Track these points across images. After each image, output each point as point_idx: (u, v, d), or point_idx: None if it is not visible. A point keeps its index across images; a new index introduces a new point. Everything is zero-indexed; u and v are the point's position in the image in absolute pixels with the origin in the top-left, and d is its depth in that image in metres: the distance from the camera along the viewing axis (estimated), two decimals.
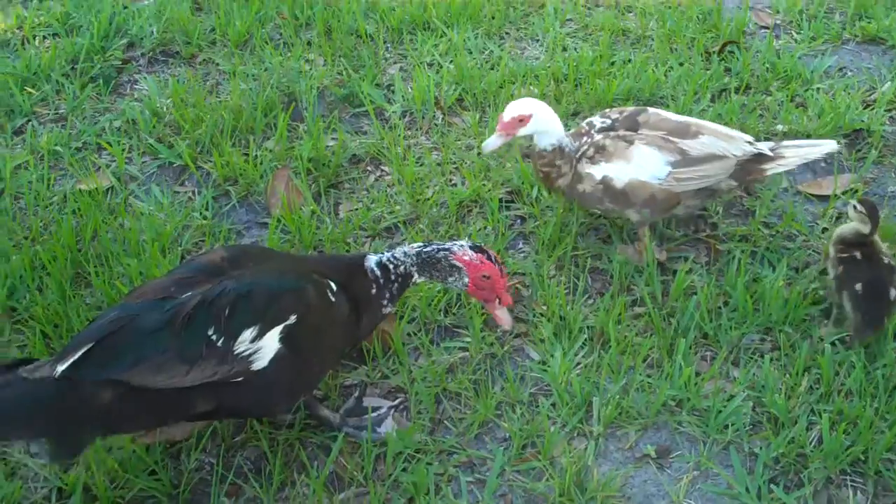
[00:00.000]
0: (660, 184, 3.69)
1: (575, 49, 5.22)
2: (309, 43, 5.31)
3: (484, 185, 4.27)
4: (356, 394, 3.44)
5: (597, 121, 3.86)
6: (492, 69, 5.03)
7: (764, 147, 3.76)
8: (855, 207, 3.61)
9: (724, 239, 4.04)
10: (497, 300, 3.23)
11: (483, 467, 3.24)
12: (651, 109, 3.88)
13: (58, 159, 4.53)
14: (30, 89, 4.93)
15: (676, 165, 3.69)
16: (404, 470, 3.20)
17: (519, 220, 4.16)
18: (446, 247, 3.19)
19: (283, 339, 2.91)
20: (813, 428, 3.31)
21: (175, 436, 3.30)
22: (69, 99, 4.85)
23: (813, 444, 3.26)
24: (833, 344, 3.52)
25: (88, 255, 3.90)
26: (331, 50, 5.18)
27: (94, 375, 2.74)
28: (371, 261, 3.21)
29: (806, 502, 3.11)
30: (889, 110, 4.75)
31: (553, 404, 3.41)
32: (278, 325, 2.90)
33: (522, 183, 4.26)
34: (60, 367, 2.73)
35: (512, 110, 3.69)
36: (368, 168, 4.48)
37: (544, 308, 3.72)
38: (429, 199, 4.22)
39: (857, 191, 4.25)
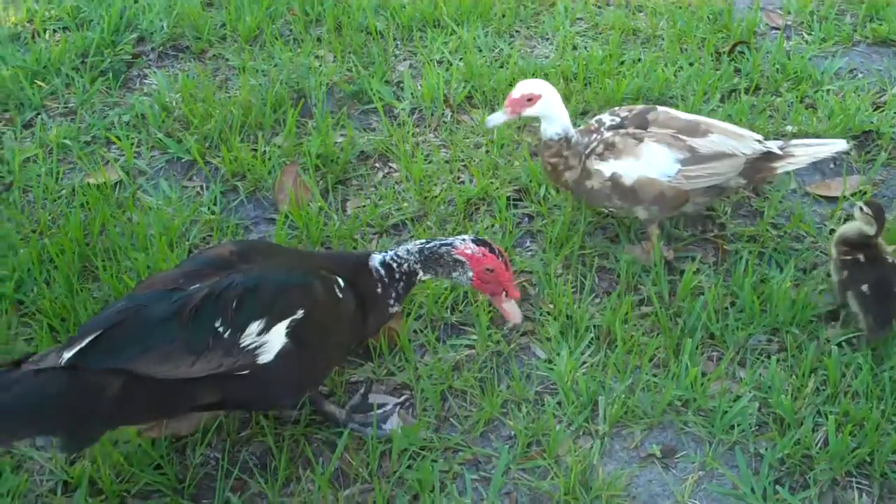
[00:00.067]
0: (669, 181, 3.69)
1: (585, 48, 5.21)
2: (319, 39, 5.31)
3: (492, 182, 4.26)
4: (362, 390, 3.44)
5: (606, 118, 3.86)
6: (501, 67, 5.03)
7: (773, 146, 3.75)
8: (861, 209, 3.60)
9: (731, 239, 4.04)
10: (504, 294, 3.22)
11: (488, 465, 3.24)
12: (660, 108, 3.88)
13: (67, 153, 4.53)
14: (40, 83, 4.93)
15: (686, 163, 3.68)
16: (409, 467, 3.20)
17: (526, 219, 4.16)
18: (448, 241, 3.17)
19: (290, 333, 2.91)
20: (819, 429, 3.30)
21: (181, 430, 3.30)
22: (79, 93, 4.86)
23: (819, 445, 3.25)
24: (840, 345, 3.52)
25: (96, 249, 3.91)
26: (341, 46, 5.18)
27: (101, 363, 2.75)
28: (375, 260, 3.21)
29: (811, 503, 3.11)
30: None
31: (559, 403, 3.41)
32: (285, 319, 2.91)
33: (530, 181, 4.26)
34: (67, 355, 2.74)
35: (522, 88, 3.69)
36: (377, 165, 4.48)
37: (551, 306, 3.72)
38: (437, 197, 4.22)
39: (865, 192, 4.24)
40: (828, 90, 4.86)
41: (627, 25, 5.36)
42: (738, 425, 3.31)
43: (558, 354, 3.52)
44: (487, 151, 4.47)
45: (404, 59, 5.19)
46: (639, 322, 3.69)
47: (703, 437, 3.30)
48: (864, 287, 3.50)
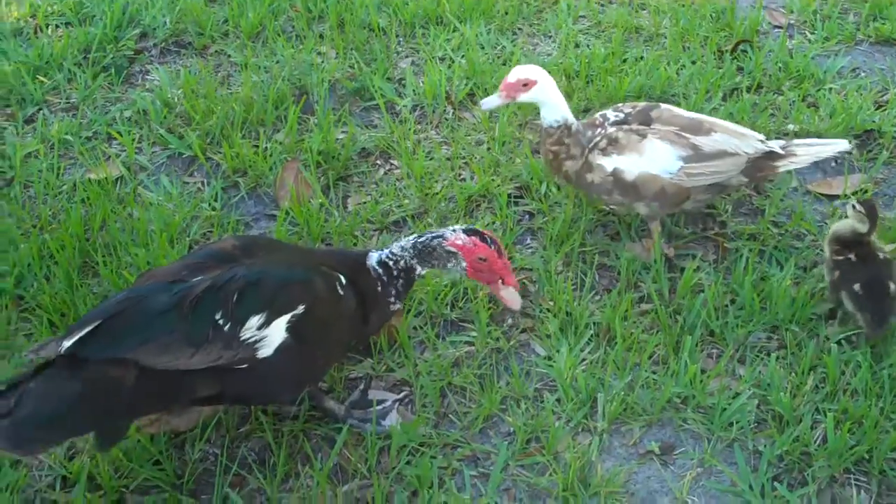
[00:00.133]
0: (671, 178, 3.69)
1: (587, 46, 5.21)
2: (321, 36, 5.31)
3: (493, 180, 4.26)
4: (361, 386, 3.44)
5: (610, 114, 3.86)
6: (503, 65, 5.02)
7: (775, 145, 3.75)
8: (854, 207, 3.60)
9: (732, 237, 4.03)
10: (500, 281, 3.21)
11: (487, 461, 3.24)
12: (664, 105, 3.88)
13: (68, 148, 4.54)
14: (42, 78, 4.94)
15: (688, 160, 3.69)
16: (408, 463, 3.21)
17: (527, 216, 4.16)
18: (439, 233, 3.17)
19: (290, 328, 2.92)
20: (817, 427, 3.30)
21: (180, 426, 3.31)
22: (81, 88, 4.86)
23: (817, 442, 3.25)
24: (839, 343, 3.52)
25: (96, 245, 3.91)
26: (343, 43, 5.18)
27: (100, 353, 2.75)
28: (372, 259, 3.21)
29: (809, 501, 3.10)
30: None
31: (558, 400, 3.41)
32: (286, 314, 2.91)
33: (531, 178, 4.26)
34: (67, 344, 2.74)
35: (517, 73, 3.70)
36: (378, 161, 4.48)
37: (551, 304, 3.72)
38: (437, 194, 4.22)
39: (867, 191, 4.23)
40: (830, 89, 4.86)
41: (630, 23, 5.36)
42: (737, 422, 3.31)
43: (558, 351, 3.52)
44: (489, 148, 4.47)
45: (406, 56, 5.19)
46: (639, 319, 3.69)
47: (702, 434, 3.30)
48: (857, 286, 3.50)
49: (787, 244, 3.98)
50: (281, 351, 2.91)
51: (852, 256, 3.57)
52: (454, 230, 3.16)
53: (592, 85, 4.84)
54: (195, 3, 5.42)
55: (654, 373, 3.48)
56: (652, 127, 3.75)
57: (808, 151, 3.78)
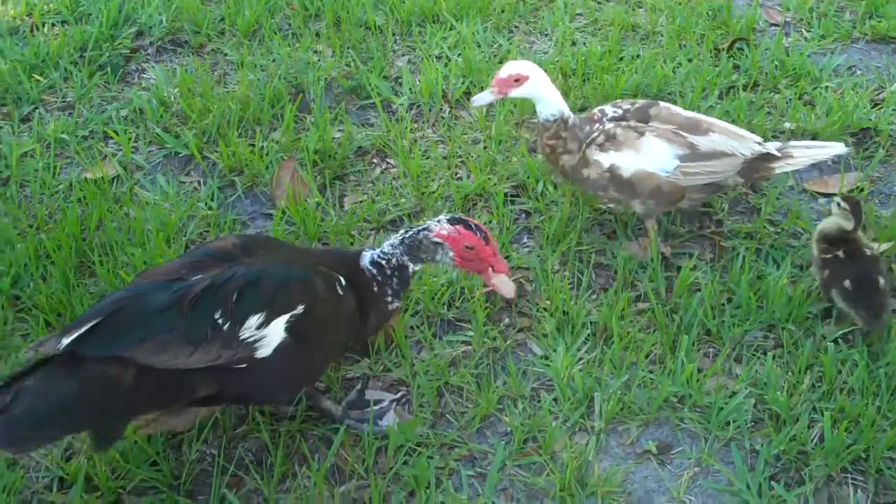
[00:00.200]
0: (667, 176, 3.69)
1: (584, 44, 5.21)
2: (318, 34, 5.31)
3: (489, 178, 4.26)
4: (358, 386, 3.45)
5: (608, 110, 3.86)
6: (500, 63, 5.01)
7: (772, 147, 3.75)
8: (839, 204, 3.61)
9: (728, 236, 4.04)
10: (490, 269, 3.19)
11: (484, 461, 3.24)
12: (663, 103, 3.88)
13: (64, 147, 4.53)
14: (37, 77, 4.94)
15: (685, 159, 3.69)
16: (405, 463, 3.20)
17: (524, 215, 4.16)
18: (424, 226, 3.16)
19: (289, 328, 2.92)
20: (814, 426, 3.30)
21: (176, 427, 3.30)
22: (77, 87, 4.86)
23: (814, 441, 3.25)
24: (836, 342, 3.52)
25: (93, 244, 3.91)
26: (339, 41, 5.18)
27: (99, 351, 2.74)
28: (365, 259, 3.20)
29: (806, 500, 3.10)
30: None
31: (555, 399, 3.41)
32: (285, 314, 2.91)
33: (528, 177, 4.26)
34: (65, 341, 2.73)
35: (509, 68, 3.70)
36: (374, 160, 4.48)
37: (548, 303, 3.72)
38: (434, 193, 4.22)
39: (862, 189, 4.24)
40: (826, 87, 4.86)
41: (627, 21, 5.36)
42: (734, 422, 3.31)
43: (555, 351, 3.52)
44: (485, 147, 4.47)
45: (403, 55, 5.19)
46: (635, 318, 3.69)
47: (699, 434, 3.31)
48: (847, 283, 3.51)
49: (783, 243, 3.98)
50: (279, 351, 2.91)
51: (840, 254, 3.58)
52: (438, 221, 3.15)
53: (589, 83, 4.84)
54: (191, 1, 5.41)
55: (650, 372, 3.48)
56: (650, 124, 3.76)
57: (805, 154, 3.78)
